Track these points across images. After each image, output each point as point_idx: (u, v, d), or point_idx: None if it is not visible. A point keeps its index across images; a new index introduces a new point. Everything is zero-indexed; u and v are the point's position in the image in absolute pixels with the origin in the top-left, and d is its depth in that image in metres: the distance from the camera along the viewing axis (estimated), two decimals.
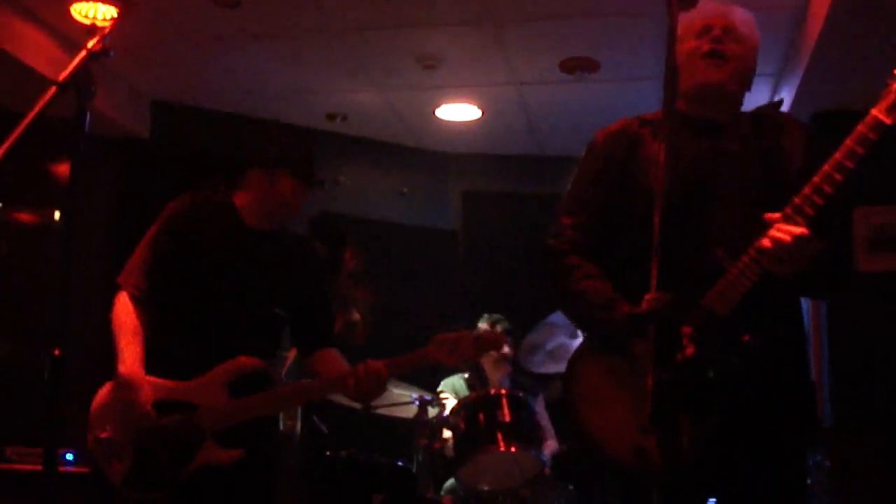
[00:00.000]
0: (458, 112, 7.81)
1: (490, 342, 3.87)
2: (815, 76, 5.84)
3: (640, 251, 2.27)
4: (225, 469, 3.66)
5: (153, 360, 3.76)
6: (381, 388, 3.82)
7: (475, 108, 7.71)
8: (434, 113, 7.83)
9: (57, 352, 2.33)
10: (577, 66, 6.65)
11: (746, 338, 2.71)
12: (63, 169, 6.73)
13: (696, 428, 2.72)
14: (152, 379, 3.71)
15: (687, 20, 3.07)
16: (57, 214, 6.85)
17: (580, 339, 6.04)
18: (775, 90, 6.81)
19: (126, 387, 3.66)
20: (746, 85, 3.12)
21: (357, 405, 5.24)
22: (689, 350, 2.74)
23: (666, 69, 2.30)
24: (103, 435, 3.70)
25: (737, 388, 2.77)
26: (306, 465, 5.68)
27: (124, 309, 3.84)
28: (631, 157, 3.09)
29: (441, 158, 8.89)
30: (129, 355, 3.74)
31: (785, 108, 6.48)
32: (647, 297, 2.00)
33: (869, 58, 5.54)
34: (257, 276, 3.89)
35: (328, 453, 5.63)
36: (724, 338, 2.73)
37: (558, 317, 6.16)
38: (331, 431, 5.88)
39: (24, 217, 6.94)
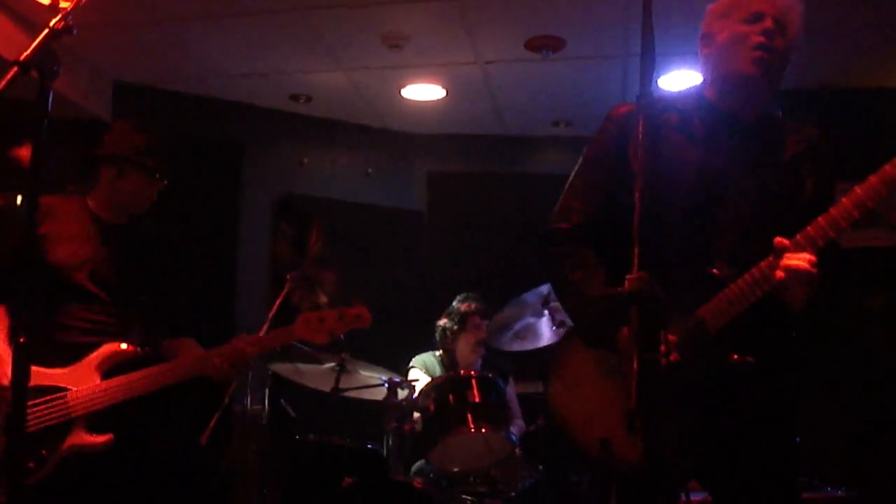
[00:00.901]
0: (423, 92, 7.76)
1: (353, 318, 4.11)
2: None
3: (653, 238, 2.23)
4: (96, 455, 3.76)
5: None
6: (245, 367, 4.05)
7: (440, 88, 7.66)
8: (399, 93, 7.78)
9: (22, 339, 2.29)
10: (543, 45, 6.61)
11: (735, 357, 2.70)
12: (24, 152, 6.64)
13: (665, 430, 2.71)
14: None
15: None
16: (19, 199, 6.75)
17: (546, 318, 6.09)
18: None
19: None
20: (779, 81, 3.05)
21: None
22: (673, 356, 2.73)
23: (643, 50, 2.25)
24: None
25: (714, 406, 2.78)
26: (275, 449, 5.66)
27: None
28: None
29: (406, 139, 8.87)
30: None
31: None
32: (629, 277, 1.98)
33: (833, 38, 5.57)
34: (114, 266, 4.04)
35: (297, 437, 5.60)
36: (712, 353, 2.73)
37: (530, 295, 6.16)
38: (299, 415, 5.86)
39: None
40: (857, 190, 2.60)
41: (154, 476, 4.03)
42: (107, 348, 3.87)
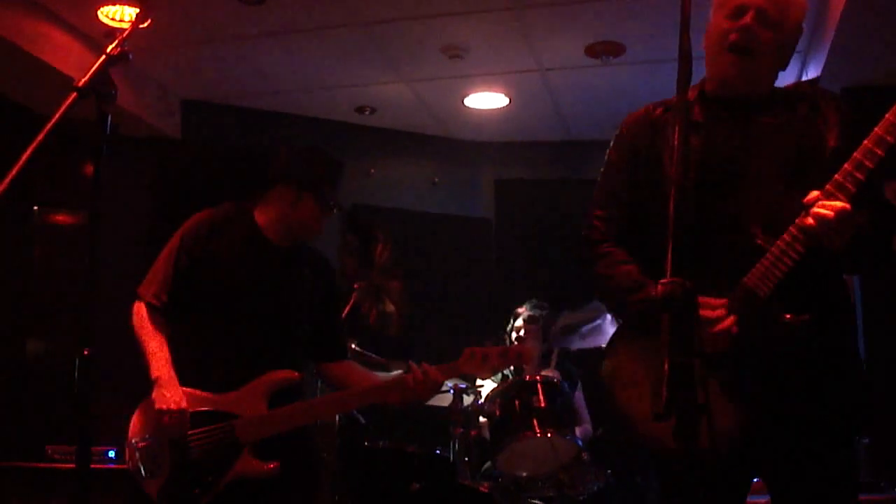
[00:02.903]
0: (486, 100, 7.82)
1: (515, 356, 4.13)
2: (841, 51, 5.80)
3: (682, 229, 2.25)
4: (260, 481, 3.73)
5: (186, 374, 3.80)
6: (435, 393, 4.04)
7: (503, 95, 7.72)
8: (462, 102, 7.85)
9: (86, 352, 2.36)
10: (603, 50, 6.64)
11: (788, 316, 2.69)
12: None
13: (740, 412, 2.73)
14: (189, 390, 3.75)
15: None
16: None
17: (609, 317, 6.09)
18: (803, 67, 6.78)
19: (161, 387, 3.71)
20: (779, 67, 3.03)
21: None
22: (729, 321, 2.74)
23: (680, 58, 2.29)
24: (141, 444, 3.76)
25: (779, 370, 2.76)
26: (345, 455, 5.73)
27: (146, 318, 3.91)
28: (654, 144, 3.04)
29: (471, 147, 8.92)
30: (160, 360, 3.80)
31: None
32: (662, 282, 2.00)
33: (894, 32, 5.51)
34: (279, 289, 3.98)
35: (366, 444, 5.67)
36: (765, 317, 2.71)
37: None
38: (368, 422, 5.93)
39: (59, 219, 7.02)
40: (877, 130, 2.60)
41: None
42: (273, 375, 3.81)
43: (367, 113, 8.12)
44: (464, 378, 5.81)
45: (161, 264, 3.98)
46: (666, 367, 1.91)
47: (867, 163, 2.61)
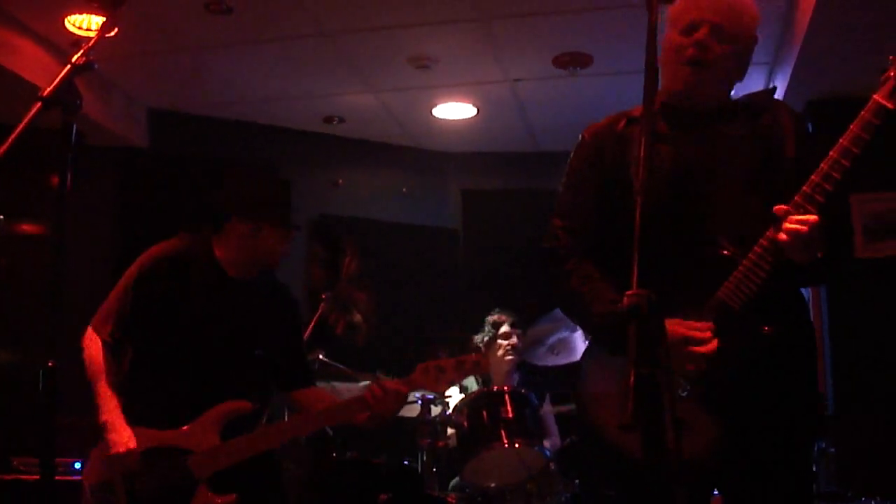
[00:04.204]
0: (454, 111, 7.84)
1: (472, 366, 3.90)
2: (807, 64, 5.85)
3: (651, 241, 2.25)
4: None
5: (136, 411, 3.76)
6: (400, 406, 3.89)
7: (471, 106, 7.74)
8: (430, 112, 7.87)
9: (51, 363, 2.34)
10: (570, 62, 6.67)
11: (767, 329, 2.72)
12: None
13: (717, 425, 2.74)
14: (140, 429, 3.70)
15: (678, 6, 3.02)
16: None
17: (580, 332, 6.10)
18: (769, 79, 6.83)
19: (109, 431, 3.67)
20: (735, 79, 3.05)
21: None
22: (713, 344, 2.75)
23: (646, 69, 2.30)
24: (96, 490, 3.71)
25: (755, 382, 2.77)
26: (313, 467, 5.71)
27: (97, 355, 3.84)
28: (622, 157, 3.01)
29: (439, 157, 8.93)
30: (108, 403, 3.75)
31: (779, 96, 6.50)
32: (628, 293, 1.99)
33: (859, 45, 5.56)
34: (239, 323, 3.92)
35: (334, 455, 5.65)
36: (743, 330, 2.74)
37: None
38: (336, 433, 5.91)
39: (26, 228, 6.97)
40: (842, 141, 2.63)
41: None
42: (222, 406, 3.75)
43: (334, 123, 8.11)
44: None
45: (114, 302, 3.91)
46: (632, 378, 1.91)
47: (834, 174, 2.64)
